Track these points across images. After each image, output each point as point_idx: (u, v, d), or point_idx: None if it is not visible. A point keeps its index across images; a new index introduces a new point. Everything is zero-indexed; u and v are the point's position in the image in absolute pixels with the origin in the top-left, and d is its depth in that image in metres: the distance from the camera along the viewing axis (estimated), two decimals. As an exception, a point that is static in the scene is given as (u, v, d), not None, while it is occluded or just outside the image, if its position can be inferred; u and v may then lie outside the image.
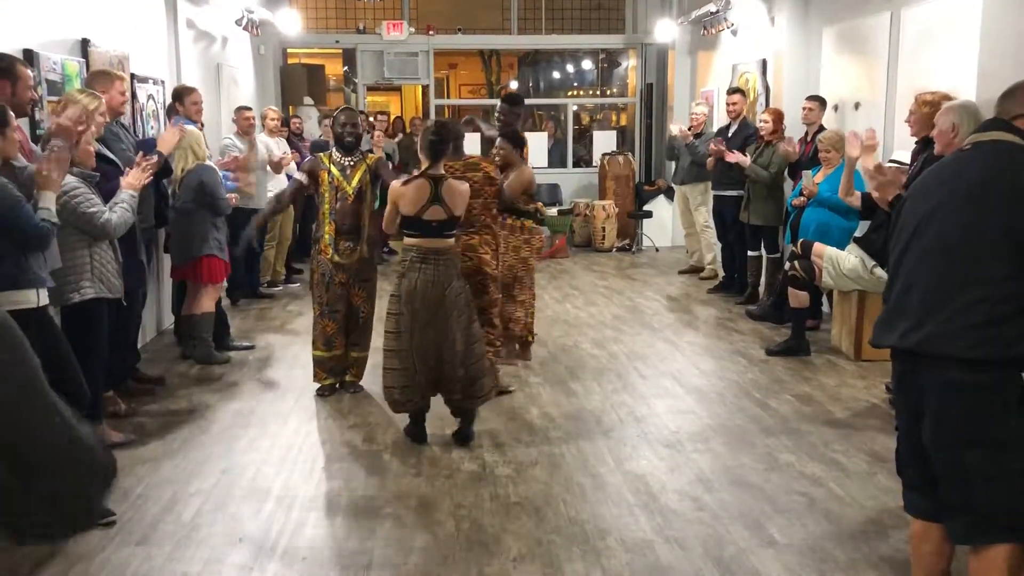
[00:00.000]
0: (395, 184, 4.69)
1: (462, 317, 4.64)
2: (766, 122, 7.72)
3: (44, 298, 3.78)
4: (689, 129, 9.27)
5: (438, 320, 4.59)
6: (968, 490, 2.59)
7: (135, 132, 6.36)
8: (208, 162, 6.17)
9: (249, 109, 8.16)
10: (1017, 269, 2.54)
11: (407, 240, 4.69)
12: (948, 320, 2.62)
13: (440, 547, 3.60)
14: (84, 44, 5.81)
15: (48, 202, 3.76)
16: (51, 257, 3.93)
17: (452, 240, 4.72)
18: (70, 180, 4.18)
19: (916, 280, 2.75)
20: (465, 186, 4.77)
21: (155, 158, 4.81)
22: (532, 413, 5.22)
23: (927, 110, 5.00)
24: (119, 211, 4.39)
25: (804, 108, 7.42)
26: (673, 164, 11.92)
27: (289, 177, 8.83)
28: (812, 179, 6.68)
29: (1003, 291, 2.54)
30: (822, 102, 7.40)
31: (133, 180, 4.55)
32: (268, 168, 8.29)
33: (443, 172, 4.66)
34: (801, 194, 6.79)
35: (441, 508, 3.95)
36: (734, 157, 7.87)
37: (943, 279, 2.66)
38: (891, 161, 5.76)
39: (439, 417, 5.14)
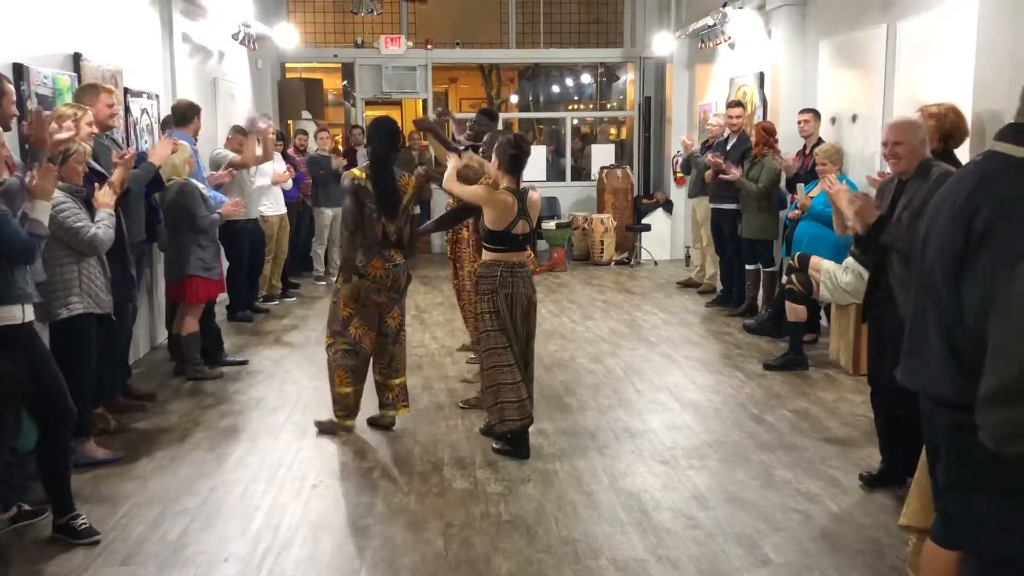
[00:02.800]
0: (480, 191, 4.72)
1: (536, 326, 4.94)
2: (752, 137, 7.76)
3: (29, 314, 3.73)
4: (707, 141, 9.14)
5: (529, 330, 4.83)
6: (976, 537, 2.38)
7: (128, 146, 6.34)
8: (194, 180, 6.12)
9: (245, 134, 8.00)
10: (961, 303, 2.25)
11: (489, 255, 4.71)
12: (927, 359, 2.42)
13: (429, 566, 3.54)
14: (76, 58, 5.79)
15: (40, 212, 3.73)
16: (34, 270, 3.89)
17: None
18: (57, 195, 4.15)
19: (907, 309, 2.60)
20: (538, 195, 4.94)
21: (131, 151, 4.82)
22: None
23: (933, 123, 4.92)
24: (103, 228, 4.37)
25: (799, 121, 7.40)
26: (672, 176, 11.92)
27: (285, 192, 8.84)
28: (806, 193, 6.65)
29: (958, 340, 2.28)
30: (817, 114, 7.38)
31: (104, 199, 4.51)
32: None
33: (523, 185, 4.77)
34: (797, 207, 6.76)
35: (431, 526, 3.89)
36: (733, 172, 7.82)
37: (920, 312, 2.46)
38: (881, 173, 5.70)
39: (431, 435, 5.09)
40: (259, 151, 8.15)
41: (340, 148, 11.59)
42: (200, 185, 6.18)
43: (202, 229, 6.03)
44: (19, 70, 4.95)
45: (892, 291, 3.88)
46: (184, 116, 6.66)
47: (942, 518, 2.59)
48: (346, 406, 5.07)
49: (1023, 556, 2.28)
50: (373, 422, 5.21)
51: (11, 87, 4.09)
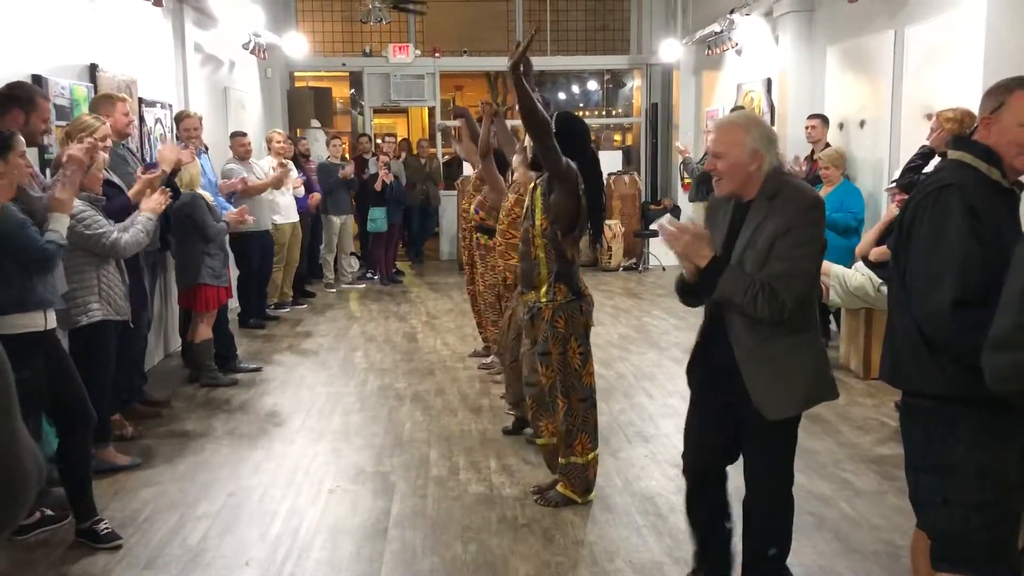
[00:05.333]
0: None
1: None
2: None
3: (52, 321, 3.79)
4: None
5: None
6: (922, 513, 2.58)
7: (143, 155, 6.41)
8: (200, 190, 6.18)
9: (244, 135, 8.11)
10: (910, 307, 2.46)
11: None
12: (886, 347, 2.63)
13: (447, 570, 3.58)
14: (92, 69, 5.86)
15: (59, 224, 3.79)
16: (57, 281, 3.94)
17: None
18: (77, 204, 4.21)
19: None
20: None
21: (159, 172, 4.92)
22: (539, 434, 5.19)
23: (950, 127, 4.97)
24: (133, 232, 4.43)
25: (807, 127, 7.44)
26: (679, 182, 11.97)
27: (297, 199, 8.89)
28: None
29: (911, 324, 2.46)
30: (824, 120, 7.41)
31: (154, 204, 4.59)
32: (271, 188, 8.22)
33: None
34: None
35: (448, 530, 3.93)
36: None
37: (888, 306, 2.64)
38: (893, 182, 5.73)
39: (445, 439, 5.13)
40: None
41: (348, 156, 11.66)
42: (207, 194, 6.24)
43: (209, 238, 6.09)
44: (37, 81, 5.02)
45: (732, 360, 2.84)
46: (176, 121, 6.80)
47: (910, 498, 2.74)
48: (587, 480, 4.15)
49: (956, 533, 2.45)
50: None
51: (46, 104, 4.16)
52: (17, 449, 1.26)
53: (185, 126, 6.70)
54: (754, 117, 3.01)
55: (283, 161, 8.16)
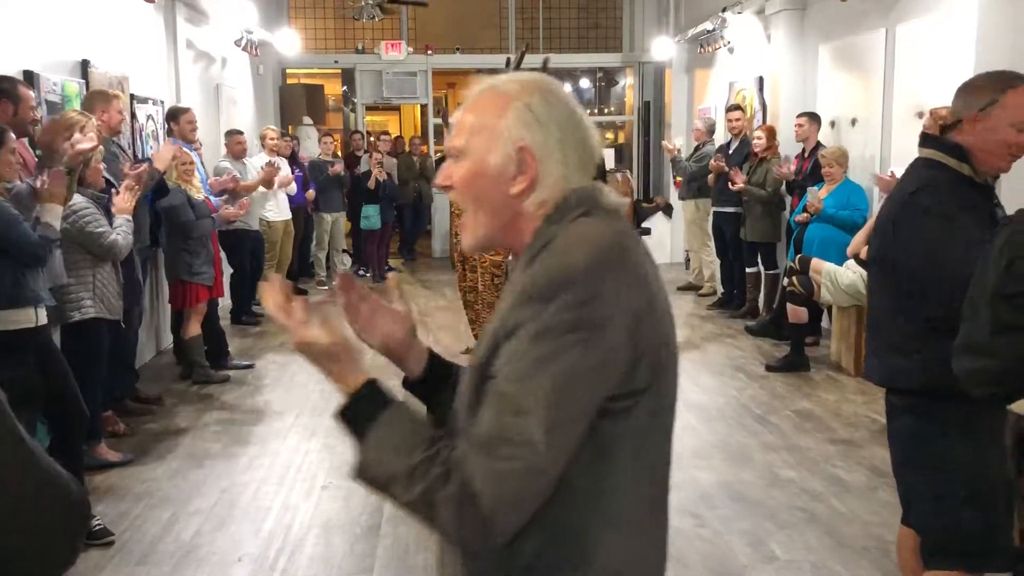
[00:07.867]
0: None
1: None
2: (760, 139, 7.74)
3: (43, 317, 3.78)
4: (697, 146, 9.34)
5: None
6: (911, 510, 2.60)
7: (135, 152, 6.40)
8: (195, 185, 6.17)
9: (241, 133, 8.11)
10: (898, 303, 2.47)
11: None
12: (869, 347, 2.65)
13: (440, 565, 3.59)
14: (84, 65, 5.84)
15: (51, 216, 3.78)
16: (55, 273, 3.93)
17: None
18: (79, 200, 4.21)
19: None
20: None
21: (144, 166, 4.90)
22: (532, 430, 5.20)
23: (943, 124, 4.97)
24: (122, 234, 4.43)
25: (796, 125, 7.44)
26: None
27: (289, 196, 8.88)
28: (817, 195, 6.67)
29: (894, 324, 2.49)
30: (813, 118, 7.42)
31: (123, 204, 4.56)
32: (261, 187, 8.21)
33: None
34: (805, 210, 6.77)
35: (441, 526, 3.93)
36: (739, 178, 7.81)
37: (870, 306, 2.65)
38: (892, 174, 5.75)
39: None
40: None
41: (339, 153, 11.66)
42: (193, 189, 6.21)
43: (187, 235, 6.05)
44: (29, 77, 5.00)
45: None
46: (172, 117, 6.78)
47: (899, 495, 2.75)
48: None
49: (949, 527, 2.46)
50: None
51: (30, 92, 4.16)
52: (47, 463, 1.13)
53: (188, 118, 6.69)
54: (539, 82, 1.37)
55: (271, 160, 8.14)
